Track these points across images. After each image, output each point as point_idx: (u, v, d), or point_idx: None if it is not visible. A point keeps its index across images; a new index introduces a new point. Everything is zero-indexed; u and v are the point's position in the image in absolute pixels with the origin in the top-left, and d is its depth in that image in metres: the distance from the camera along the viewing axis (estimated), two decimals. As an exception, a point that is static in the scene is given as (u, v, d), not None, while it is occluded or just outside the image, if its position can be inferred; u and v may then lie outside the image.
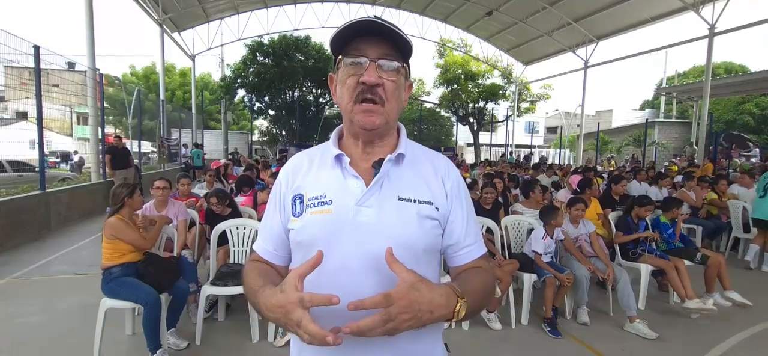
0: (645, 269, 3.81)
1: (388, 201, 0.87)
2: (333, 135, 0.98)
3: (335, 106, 22.18)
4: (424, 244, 0.88)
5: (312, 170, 0.95)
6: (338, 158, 0.92)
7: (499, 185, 4.73)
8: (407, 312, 0.71)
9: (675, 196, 5.78)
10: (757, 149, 17.33)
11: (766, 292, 4.40)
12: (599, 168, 13.29)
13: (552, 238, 3.59)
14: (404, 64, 0.89)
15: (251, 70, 20.28)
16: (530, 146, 25.09)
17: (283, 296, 0.74)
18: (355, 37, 0.86)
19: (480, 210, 4.03)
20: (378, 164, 0.90)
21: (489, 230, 3.80)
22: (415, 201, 0.88)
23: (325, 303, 0.71)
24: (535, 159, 20.78)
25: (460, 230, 0.94)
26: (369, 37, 0.85)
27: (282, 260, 1.00)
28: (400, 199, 0.88)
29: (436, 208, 0.90)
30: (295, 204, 0.93)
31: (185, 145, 16.11)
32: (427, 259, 0.90)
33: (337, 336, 0.69)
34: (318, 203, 0.89)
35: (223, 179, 6.75)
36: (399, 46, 0.87)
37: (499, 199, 4.52)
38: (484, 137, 25.85)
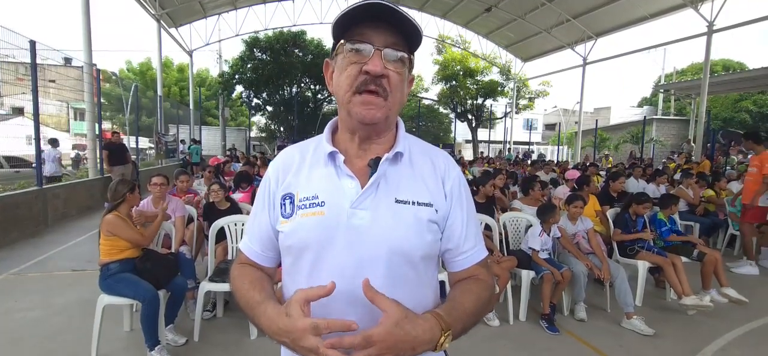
0: (642, 265, 3.83)
1: (384, 204, 0.82)
2: (327, 129, 0.92)
3: (334, 102, 22.18)
4: (422, 250, 0.83)
5: (304, 168, 0.89)
6: (332, 155, 0.86)
7: (499, 182, 4.75)
8: (389, 353, 0.69)
9: (672, 193, 5.80)
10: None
11: (762, 289, 4.43)
12: (597, 165, 13.31)
13: (549, 235, 3.60)
14: (410, 56, 0.83)
15: (249, 66, 20.21)
16: (529, 143, 25.12)
17: (290, 321, 0.71)
18: (360, 21, 0.79)
19: (476, 205, 4.07)
20: (374, 163, 0.84)
21: (487, 227, 3.81)
22: (413, 203, 0.83)
23: (343, 329, 0.69)
24: (533, 156, 20.80)
25: (458, 234, 0.88)
26: (375, 23, 0.78)
27: (270, 262, 0.94)
28: (397, 201, 0.82)
29: (436, 210, 0.85)
30: (284, 204, 0.86)
31: (182, 141, 16.06)
32: (424, 265, 0.86)
33: None
34: (310, 204, 0.83)
35: (220, 176, 6.73)
36: (407, 36, 0.80)
37: (494, 194, 4.54)
38: (482, 134, 25.85)
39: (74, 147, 18.64)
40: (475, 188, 4.32)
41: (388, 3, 0.76)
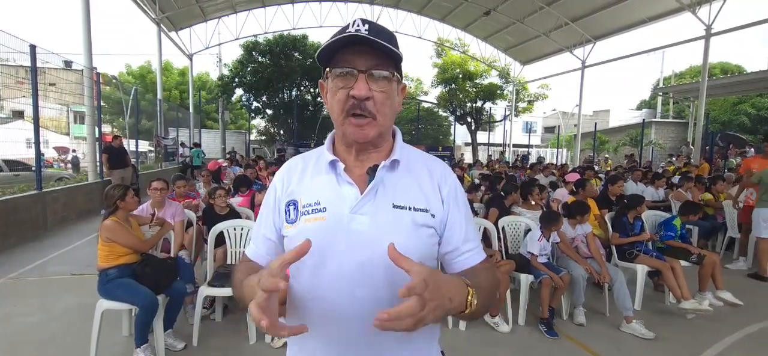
0: (641, 269, 3.83)
1: (382, 209, 0.86)
2: (328, 139, 0.97)
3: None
4: (419, 253, 0.86)
5: (306, 176, 0.94)
6: (333, 164, 0.91)
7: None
8: (435, 299, 0.67)
9: (673, 197, 5.82)
10: (752, 149, 17.42)
11: (760, 292, 4.43)
12: (596, 168, 13.31)
13: (548, 240, 3.60)
14: (395, 72, 0.87)
15: (249, 69, 20.24)
16: (528, 146, 25.13)
17: (258, 278, 0.71)
18: (344, 47, 0.84)
19: (503, 207, 4.29)
20: (372, 171, 0.88)
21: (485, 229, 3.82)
22: (410, 209, 0.87)
23: (273, 288, 0.64)
24: (532, 159, 20.79)
25: (458, 235, 0.92)
26: (357, 47, 0.83)
27: None
28: (394, 206, 0.86)
29: (432, 215, 0.88)
30: (288, 210, 0.92)
31: (183, 144, 16.05)
32: None
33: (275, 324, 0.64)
34: (312, 210, 0.88)
35: (217, 180, 6.76)
36: (389, 55, 0.85)
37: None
38: (482, 137, 25.88)
39: (59, 149, 18.54)
40: (502, 195, 4.51)
41: (366, 35, 0.80)
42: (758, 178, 4.97)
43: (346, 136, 0.88)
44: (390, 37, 0.84)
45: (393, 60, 0.86)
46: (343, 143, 0.93)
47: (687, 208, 4.44)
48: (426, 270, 0.68)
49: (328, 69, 0.86)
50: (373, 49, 0.83)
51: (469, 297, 0.75)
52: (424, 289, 0.64)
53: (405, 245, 0.83)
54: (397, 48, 0.85)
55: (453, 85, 22.50)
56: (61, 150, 18.60)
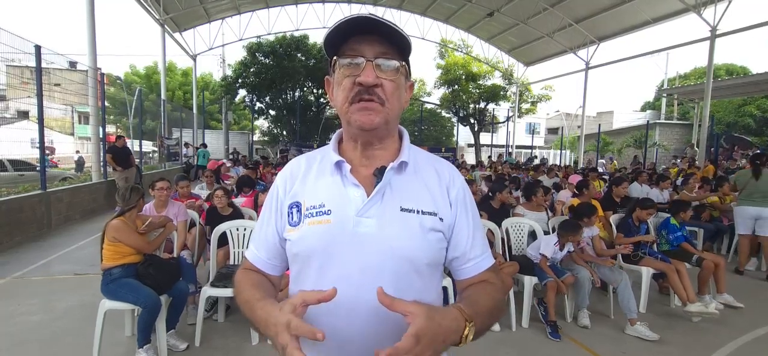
0: (646, 272, 3.80)
1: (390, 212, 0.83)
2: (333, 139, 0.94)
3: (336, 106, 22.18)
4: (428, 257, 0.84)
5: (310, 177, 0.90)
6: (338, 164, 0.87)
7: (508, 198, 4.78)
8: (430, 349, 0.67)
9: (677, 198, 5.76)
10: (757, 151, 17.31)
11: (765, 295, 4.39)
12: (601, 170, 13.24)
13: (562, 250, 3.57)
14: (404, 64, 0.84)
15: (252, 70, 20.31)
16: (531, 147, 25.08)
17: (281, 315, 0.69)
18: (350, 36, 0.81)
19: (492, 210, 4.20)
20: (380, 173, 0.85)
21: (489, 231, 3.80)
22: (418, 212, 0.84)
23: (309, 336, 0.65)
24: (535, 161, 20.73)
25: (465, 242, 0.89)
26: (365, 36, 0.80)
27: (276, 270, 0.95)
28: (402, 210, 0.83)
29: (440, 219, 0.86)
30: (291, 213, 0.88)
31: (186, 144, 16.12)
32: (429, 273, 0.86)
33: None
34: (316, 212, 0.84)
35: (217, 179, 6.79)
36: (397, 44, 0.82)
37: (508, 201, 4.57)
38: (485, 138, 25.84)
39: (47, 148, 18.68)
40: (491, 195, 4.40)
41: (373, 16, 0.78)
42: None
43: (352, 124, 0.83)
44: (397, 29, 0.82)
45: (401, 52, 0.83)
46: (350, 138, 0.89)
47: (677, 206, 4.40)
48: (422, 314, 0.67)
49: (334, 59, 0.84)
50: (381, 38, 0.81)
51: (465, 332, 0.74)
52: (413, 346, 0.64)
53: (413, 249, 0.82)
54: (406, 37, 0.81)
55: (456, 86, 22.48)
56: (48, 150, 18.75)
